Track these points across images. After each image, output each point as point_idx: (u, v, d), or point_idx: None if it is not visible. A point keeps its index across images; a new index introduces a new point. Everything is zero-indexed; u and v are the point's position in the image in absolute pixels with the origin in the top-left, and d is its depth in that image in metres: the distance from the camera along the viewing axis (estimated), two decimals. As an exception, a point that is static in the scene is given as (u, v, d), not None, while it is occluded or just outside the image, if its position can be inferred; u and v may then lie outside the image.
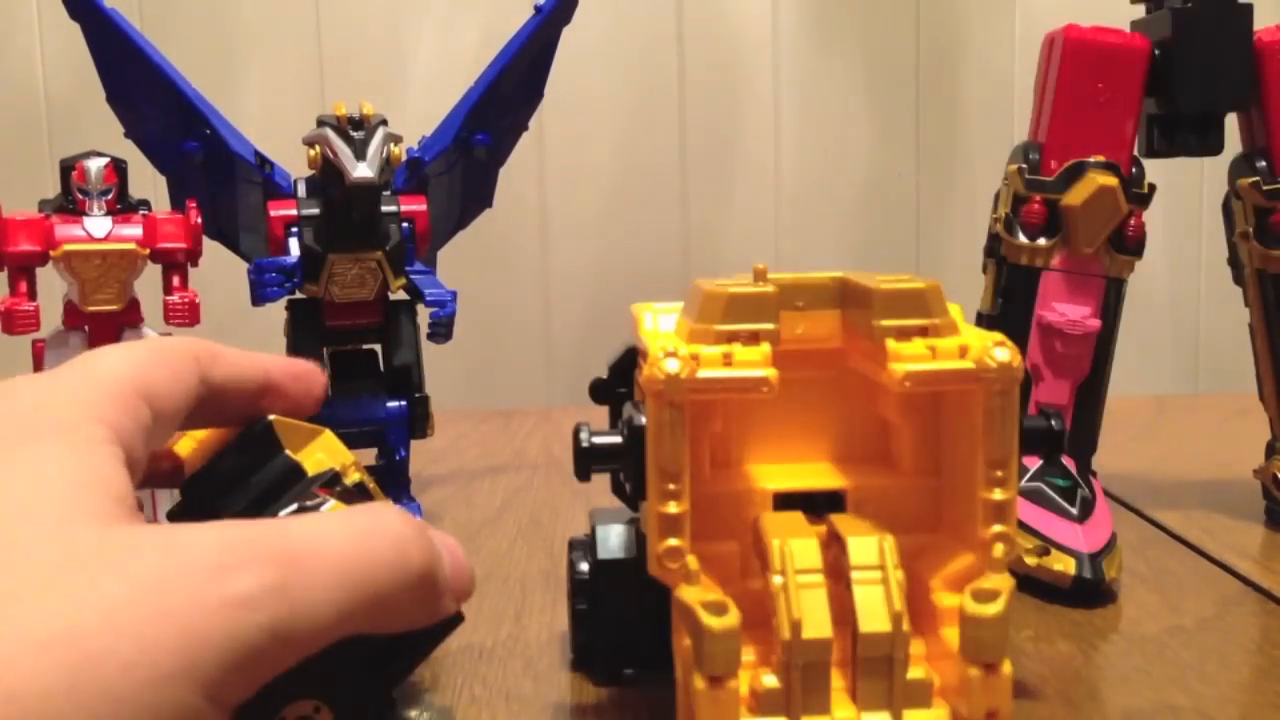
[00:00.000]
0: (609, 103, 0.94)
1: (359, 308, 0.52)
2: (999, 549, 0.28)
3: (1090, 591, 0.44)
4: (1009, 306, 0.50)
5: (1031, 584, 0.45)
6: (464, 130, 0.55)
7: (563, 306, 0.96)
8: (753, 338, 0.29)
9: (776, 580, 0.27)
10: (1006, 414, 0.28)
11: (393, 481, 0.55)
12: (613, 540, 0.37)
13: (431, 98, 0.79)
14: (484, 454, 0.73)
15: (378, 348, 0.55)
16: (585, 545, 0.38)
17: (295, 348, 0.53)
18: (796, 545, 0.28)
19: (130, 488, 0.27)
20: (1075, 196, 0.48)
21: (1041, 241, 0.49)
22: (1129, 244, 0.49)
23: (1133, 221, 0.49)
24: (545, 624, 0.44)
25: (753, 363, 0.28)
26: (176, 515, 0.36)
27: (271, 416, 0.35)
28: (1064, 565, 0.44)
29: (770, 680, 0.27)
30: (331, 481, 0.36)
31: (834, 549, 0.29)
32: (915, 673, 0.27)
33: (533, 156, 0.93)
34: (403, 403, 0.53)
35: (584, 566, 0.37)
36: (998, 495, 0.28)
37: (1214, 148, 0.52)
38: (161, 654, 0.22)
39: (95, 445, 0.26)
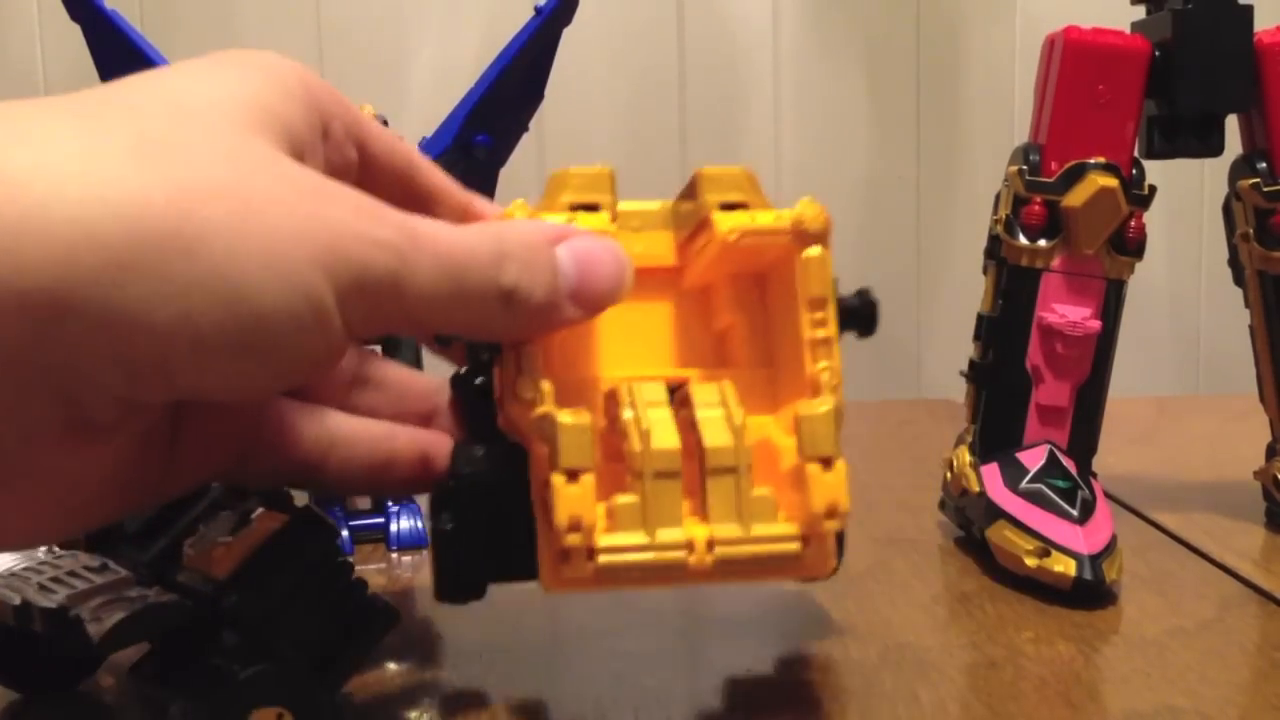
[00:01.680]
0: (609, 103, 0.94)
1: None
2: (825, 374, 0.30)
3: (1090, 593, 0.44)
4: (1009, 308, 0.50)
5: (1032, 585, 0.45)
6: (464, 131, 0.55)
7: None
8: (592, 208, 0.32)
9: (627, 414, 0.29)
10: (821, 263, 0.31)
11: (393, 482, 0.55)
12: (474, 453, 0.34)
13: (432, 98, 0.79)
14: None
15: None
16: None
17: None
18: (644, 386, 0.30)
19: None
20: (1076, 198, 0.48)
21: (1042, 243, 0.49)
22: (1129, 245, 0.49)
23: (1133, 223, 0.49)
24: (546, 624, 0.44)
25: (595, 228, 0.31)
26: (69, 541, 0.36)
27: None
28: (1064, 567, 0.44)
29: (625, 498, 0.28)
30: (236, 491, 0.36)
31: (681, 413, 0.30)
32: (760, 491, 0.29)
33: (533, 157, 0.93)
34: (403, 404, 0.53)
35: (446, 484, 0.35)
36: (820, 333, 0.31)
37: (1214, 149, 0.51)
38: (309, 240, 0.23)
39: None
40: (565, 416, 0.28)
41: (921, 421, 0.81)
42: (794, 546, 0.29)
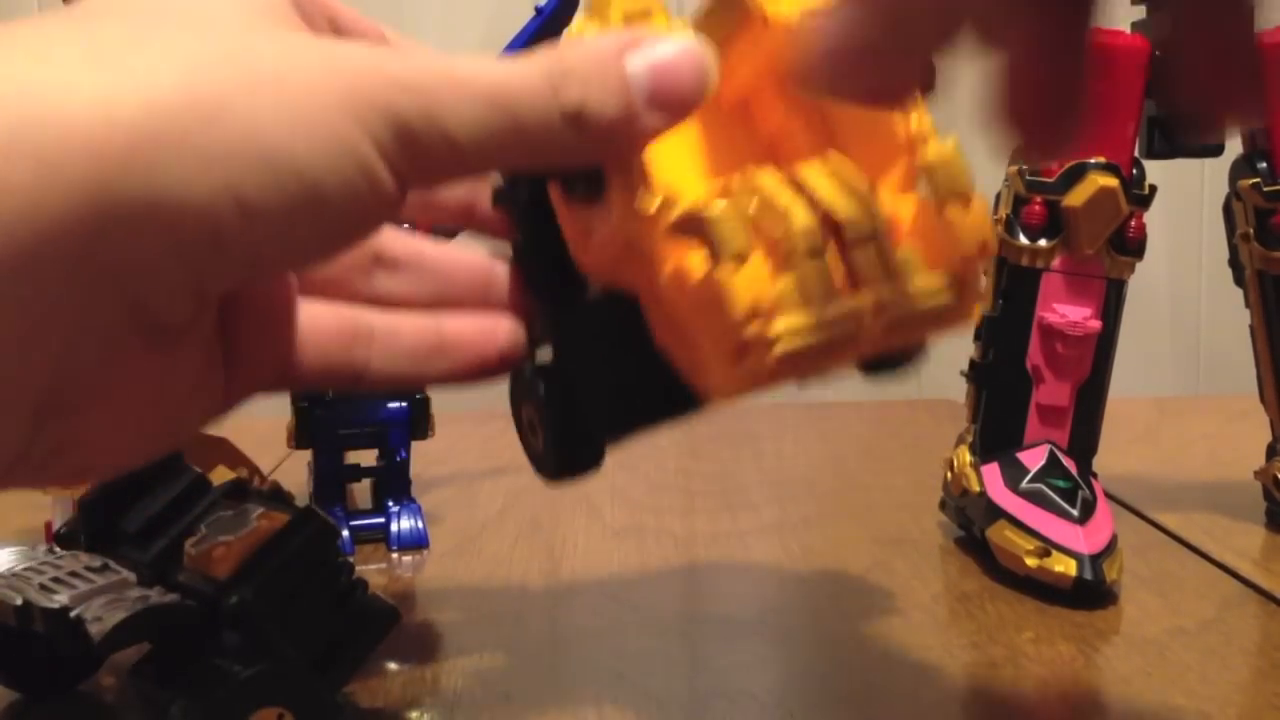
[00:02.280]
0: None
1: (359, 309, 0.53)
2: (924, 123, 0.29)
3: (1091, 593, 0.44)
4: (1010, 308, 0.50)
5: (1032, 585, 0.45)
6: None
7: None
8: (646, 14, 0.29)
9: (751, 201, 0.27)
10: None
11: (393, 483, 0.55)
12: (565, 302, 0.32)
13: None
14: (485, 456, 0.73)
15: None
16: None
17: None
18: (753, 174, 0.28)
19: None
20: (1076, 198, 0.48)
21: (1042, 243, 0.49)
22: (1130, 245, 0.49)
23: (1133, 223, 0.49)
24: (546, 625, 0.44)
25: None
26: (72, 536, 0.37)
27: None
28: (1065, 567, 0.44)
29: (782, 282, 0.26)
30: (237, 490, 0.36)
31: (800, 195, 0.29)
32: (903, 251, 0.28)
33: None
34: (403, 404, 0.53)
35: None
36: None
37: (1214, 149, 0.51)
38: (330, 92, 0.22)
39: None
40: (713, 206, 0.26)
41: (921, 421, 0.81)
42: (949, 296, 0.28)
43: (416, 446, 0.55)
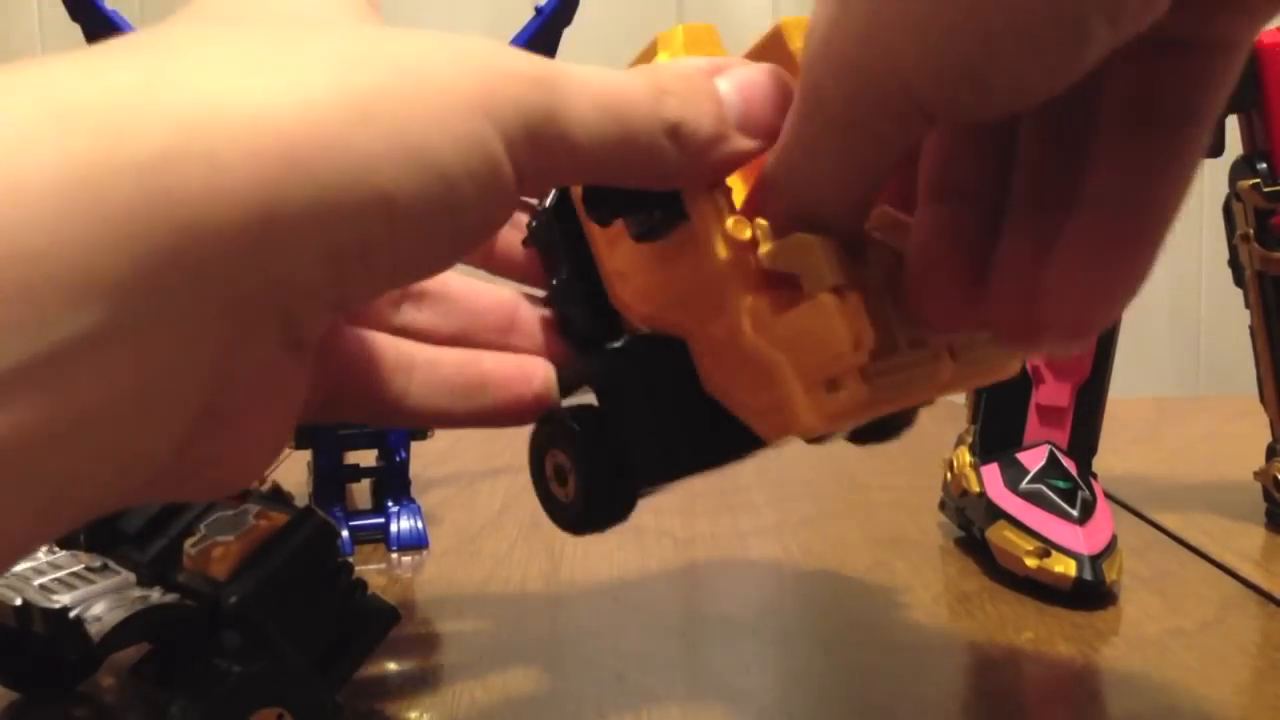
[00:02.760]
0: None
1: (359, 309, 0.53)
2: None
3: (1091, 594, 0.44)
4: None
5: (1032, 586, 0.45)
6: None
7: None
8: None
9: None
10: None
11: (393, 483, 0.55)
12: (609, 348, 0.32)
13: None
14: (484, 456, 0.73)
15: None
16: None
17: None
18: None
19: None
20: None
21: None
22: (1130, 246, 0.49)
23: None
24: (546, 626, 0.44)
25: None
26: (71, 536, 0.37)
27: None
28: (1064, 567, 0.44)
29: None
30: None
31: None
32: None
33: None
34: (403, 404, 0.53)
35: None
36: None
37: (1214, 150, 0.51)
38: (467, 89, 0.22)
39: None
40: (811, 237, 0.25)
41: (921, 421, 0.81)
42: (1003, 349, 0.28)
43: (416, 447, 0.55)
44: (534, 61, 0.24)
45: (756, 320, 0.27)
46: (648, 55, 0.29)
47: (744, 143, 0.26)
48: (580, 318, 0.32)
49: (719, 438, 0.29)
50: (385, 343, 0.30)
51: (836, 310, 0.25)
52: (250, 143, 0.20)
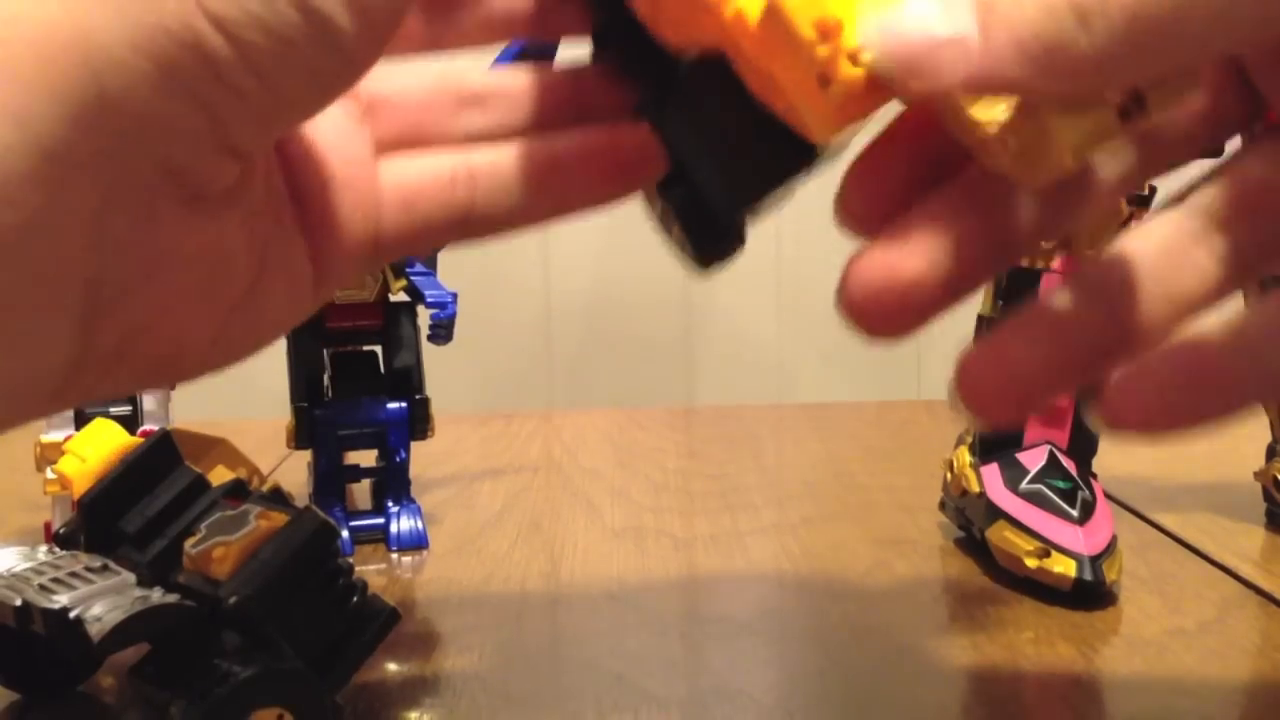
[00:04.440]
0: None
1: (359, 309, 0.52)
2: None
3: (1091, 594, 0.44)
4: (1010, 308, 0.50)
5: (1032, 586, 0.45)
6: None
7: (563, 308, 0.95)
8: None
9: None
10: None
11: (393, 483, 0.55)
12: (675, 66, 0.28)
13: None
14: (484, 456, 0.73)
15: (378, 349, 0.55)
16: None
17: (296, 348, 0.53)
18: None
19: None
20: (1076, 198, 0.48)
21: (1042, 243, 0.49)
22: (1129, 246, 0.49)
23: (1133, 223, 0.49)
24: (546, 625, 0.44)
25: None
26: (71, 536, 0.37)
27: (169, 427, 0.34)
28: (1064, 567, 0.44)
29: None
30: (236, 491, 0.36)
31: None
32: None
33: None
34: (403, 404, 0.53)
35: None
36: None
37: (1214, 150, 0.51)
38: None
39: None
40: None
41: (921, 421, 0.82)
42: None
43: (416, 447, 0.55)
44: None
45: (740, 32, 0.25)
46: None
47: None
48: (631, 56, 0.29)
49: (788, 145, 0.27)
50: (430, 162, 0.27)
51: (786, 6, 0.23)
52: (58, 13, 0.19)
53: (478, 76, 0.29)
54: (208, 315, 0.24)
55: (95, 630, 0.31)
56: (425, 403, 0.54)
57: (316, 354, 0.53)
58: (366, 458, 0.56)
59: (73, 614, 0.32)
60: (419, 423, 0.54)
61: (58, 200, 0.20)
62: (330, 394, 0.53)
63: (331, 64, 0.22)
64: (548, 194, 0.28)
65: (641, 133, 0.27)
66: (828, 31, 0.23)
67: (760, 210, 0.28)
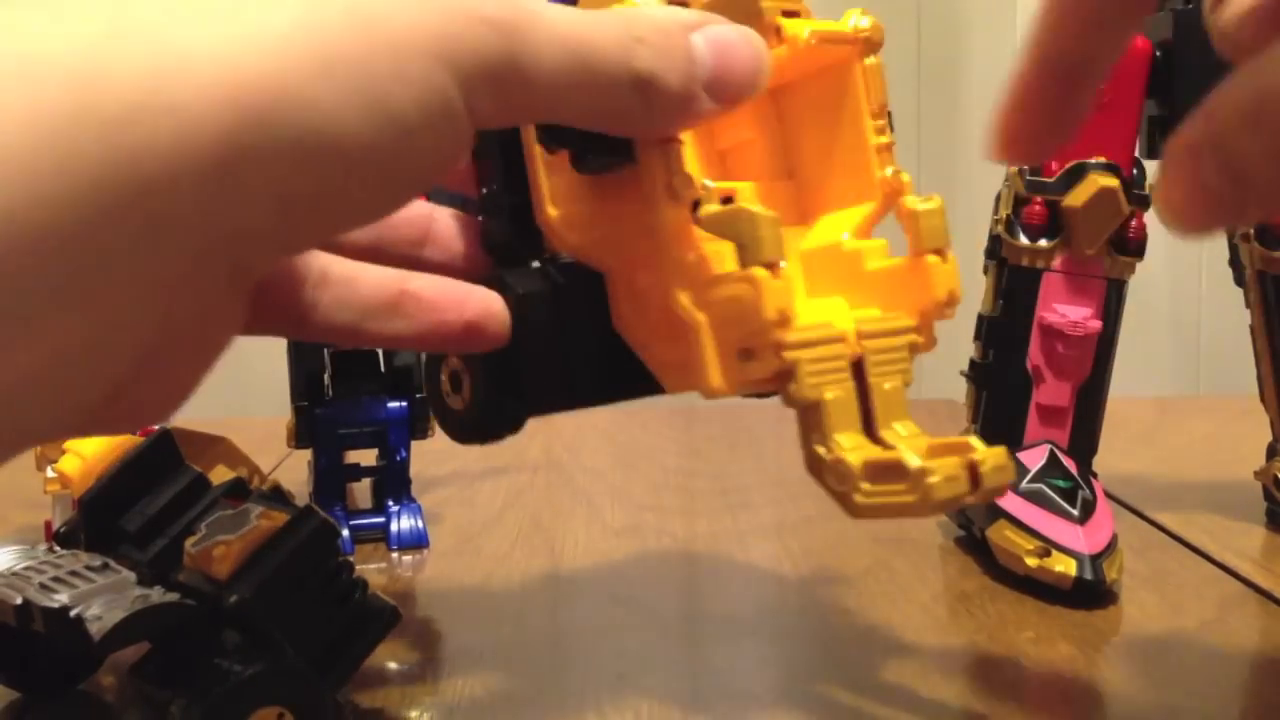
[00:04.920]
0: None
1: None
2: (904, 177, 0.30)
3: (1091, 593, 0.44)
4: (1010, 308, 0.50)
5: (1032, 585, 0.45)
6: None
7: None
8: (794, 14, 0.30)
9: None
10: (881, 70, 0.31)
11: (394, 482, 0.55)
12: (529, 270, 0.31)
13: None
14: (484, 455, 0.73)
15: (378, 348, 0.55)
16: None
17: (296, 347, 0.53)
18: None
19: None
20: (1076, 198, 0.48)
21: (1042, 243, 0.49)
22: (1130, 245, 0.49)
23: (1134, 223, 0.49)
24: (546, 625, 0.44)
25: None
26: (72, 535, 0.37)
27: (170, 425, 0.34)
28: (1065, 567, 0.44)
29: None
30: (237, 490, 0.36)
31: None
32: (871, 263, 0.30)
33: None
34: (403, 403, 0.53)
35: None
36: (884, 139, 0.31)
37: None
38: (427, 36, 0.22)
39: None
40: (759, 209, 0.27)
41: (922, 421, 0.81)
42: (915, 337, 0.29)
43: (416, 446, 0.55)
44: (505, 3, 0.23)
45: (685, 279, 0.28)
46: None
47: (708, 105, 0.26)
48: (503, 231, 0.32)
49: (618, 377, 0.30)
50: (295, 256, 0.29)
51: (767, 285, 0.26)
52: (218, 94, 0.20)
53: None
54: (200, 375, 0.25)
55: (95, 629, 0.31)
56: (425, 402, 0.54)
57: (317, 353, 0.53)
58: (367, 457, 0.56)
59: (73, 613, 0.32)
60: (419, 422, 0.54)
61: (145, 282, 0.20)
62: (331, 393, 0.53)
63: (407, 189, 0.24)
64: (382, 327, 0.29)
65: (488, 304, 0.29)
66: (784, 320, 0.26)
67: (556, 412, 0.31)
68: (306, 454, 0.54)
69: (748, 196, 0.31)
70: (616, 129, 0.27)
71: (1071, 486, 0.48)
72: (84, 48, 0.19)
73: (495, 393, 0.30)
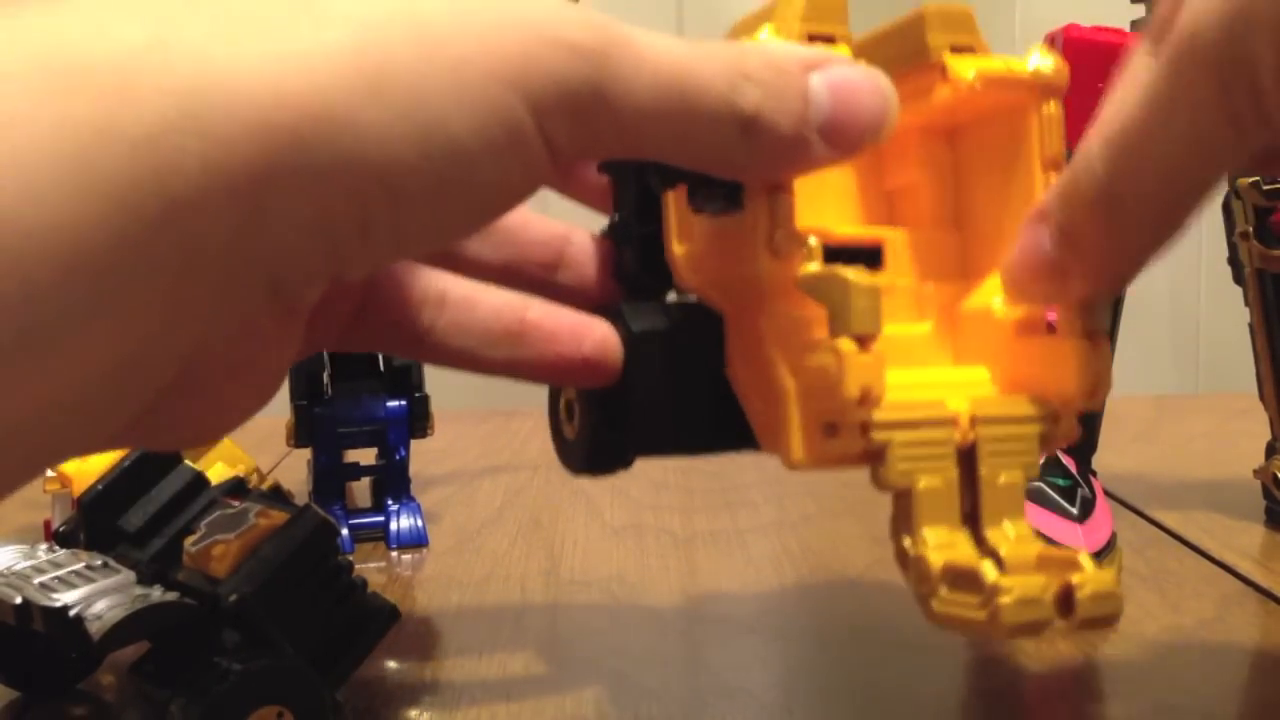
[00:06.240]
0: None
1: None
2: None
3: (1090, 591, 0.44)
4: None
5: (1032, 584, 0.45)
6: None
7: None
8: (830, 39, 0.27)
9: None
10: (1059, 120, 0.28)
11: (393, 481, 0.55)
12: (652, 309, 0.29)
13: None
14: (484, 454, 0.73)
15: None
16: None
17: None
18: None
19: None
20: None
21: None
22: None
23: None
24: (546, 624, 0.44)
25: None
26: (71, 534, 0.37)
27: None
28: (1064, 565, 0.44)
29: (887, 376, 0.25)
30: (236, 489, 0.36)
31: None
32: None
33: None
34: (403, 402, 0.53)
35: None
36: None
37: None
38: (495, 59, 0.21)
39: None
40: (856, 276, 0.24)
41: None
42: (1046, 426, 0.27)
43: (416, 445, 0.55)
44: (592, 28, 0.22)
45: (781, 339, 0.26)
46: (761, 18, 0.27)
47: (823, 151, 0.24)
48: (632, 262, 0.30)
49: (729, 426, 0.28)
50: (415, 273, 0.28)
51: (851, 360, 0.24)
52: (251, 116, 0.19)
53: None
54: (252, 398, 0.24)
55: (95, 628, 0.31)
56: (425, 400, 0.54)
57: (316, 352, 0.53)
58: (366, 455, 0.56)
59: (73, 612, 0.32)
60: (418, 420, 0.54)
61: (176, 305, 0.20)
62: (330, 392, 0.53)
63: (469, 219, 0.23)
64: (499, 353, 0.28)
65: (605, 338, 0.28)
66: (867, 398, 0.24)
67: (667, 455, 0.29)
68: (306, 453, 0.54)
69: (898, 247, 0.29)
70: (718, 170, 0.25)
71: (1071, 485, 0.48)
72: (121, 62, 0.19)
73: (602, 429, 0.29)
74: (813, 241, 0.25)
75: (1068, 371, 0.26)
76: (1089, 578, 0.24)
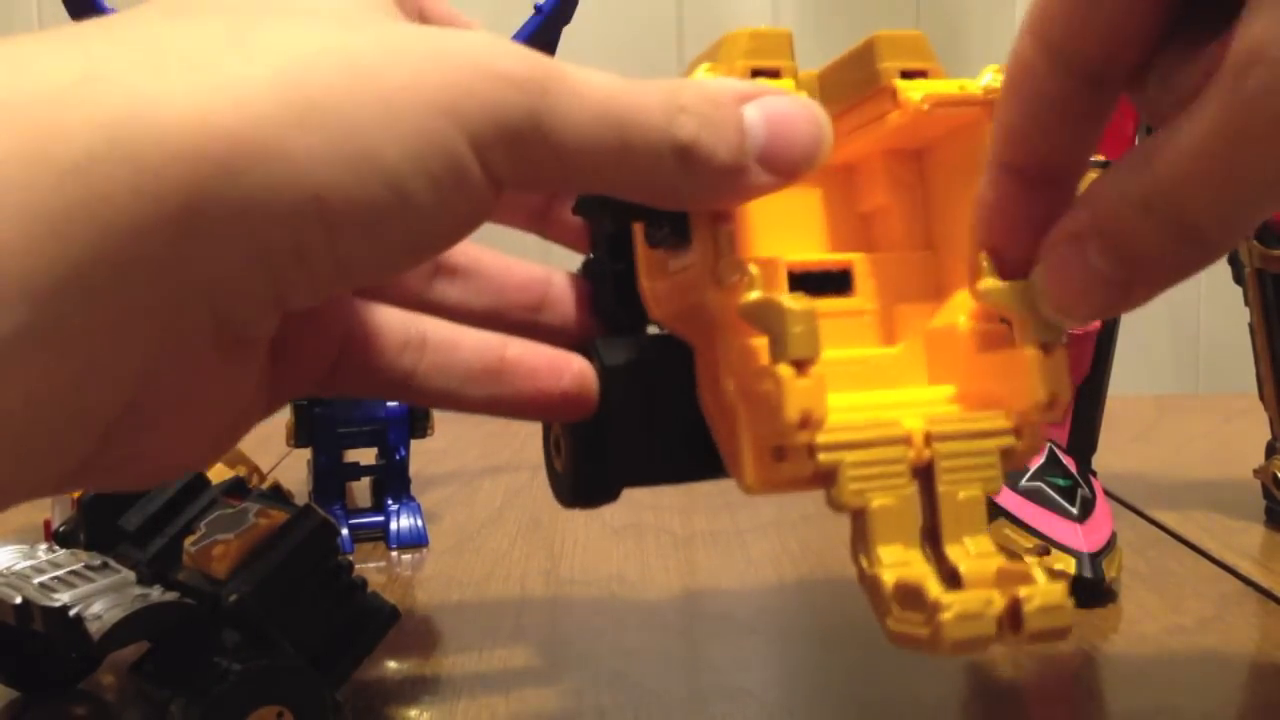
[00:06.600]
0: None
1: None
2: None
3: (1090, 591, 0.44)
4: None
5: (1031, 584, 0.45)
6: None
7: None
8: (774, 74, 0.28)
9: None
10: None
11: (393, 481, 0.55)
12: (623, 344, 0.30)
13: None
14: (484, 454, 0.73)
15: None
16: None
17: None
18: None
19: None
20: (1075, 196, 0.48)
21: None
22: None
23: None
24: (546, 623, 0.44)
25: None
26: (71, 534, 0.37)
27: None
28: (1064, 565, 0.44)
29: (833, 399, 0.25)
30: (236, 489, 0.36)
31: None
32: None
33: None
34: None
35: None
36: None
37: None
38: (430, 90, 0.21)
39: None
40: (792, 302, 0.24)
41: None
42: (1009, 440, 0.26)
43: (416, 445, 0.55)
44: (528, 61, 0.22)
45: (730, 367, 0.26)
46: (703, 58, 0.28)
47: (763, 178, 0.25)
48: (606, 299, 0.31)
49: (703, 456, 0.28)
50: (395, 317, 0.28)
51: (789, 384, 0.24)
52: (178, 145, 0.19)
53: (459, 250, 0.30)
54: (202, 437, 0.25)
55: (95, 628, 0.31)
56: (425, 400, 0.54)
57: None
58: (366, 455, 0.56)
59: (73, 612, 0.32)
60: (418, 421, 0.54)
61: (115, 335, 0.20)
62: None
63: (412, 250, 0.23)
64: (481, 391, 0.28)
65: (583, 372, 0.28)
66: (807, 422, 0.24)
67: (650, 485, 0.30)
68: (306, 453, 0.54)
69: (868, 270, 0.29)
70: (661, 201, 0.25)
71: (1071, 485, 0.48)
72: (50, 96, 0.19)
73: (585, 461, 0.30)
74: (753, 269, 0.25)
75: (1025, 384, 0.26)
76: (1037, 590, 0.23)
